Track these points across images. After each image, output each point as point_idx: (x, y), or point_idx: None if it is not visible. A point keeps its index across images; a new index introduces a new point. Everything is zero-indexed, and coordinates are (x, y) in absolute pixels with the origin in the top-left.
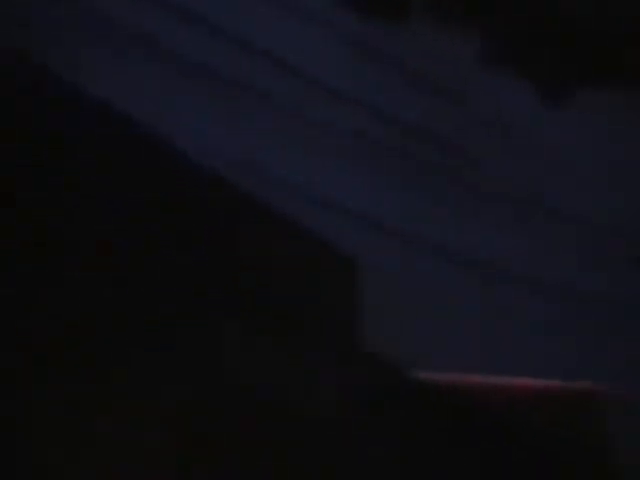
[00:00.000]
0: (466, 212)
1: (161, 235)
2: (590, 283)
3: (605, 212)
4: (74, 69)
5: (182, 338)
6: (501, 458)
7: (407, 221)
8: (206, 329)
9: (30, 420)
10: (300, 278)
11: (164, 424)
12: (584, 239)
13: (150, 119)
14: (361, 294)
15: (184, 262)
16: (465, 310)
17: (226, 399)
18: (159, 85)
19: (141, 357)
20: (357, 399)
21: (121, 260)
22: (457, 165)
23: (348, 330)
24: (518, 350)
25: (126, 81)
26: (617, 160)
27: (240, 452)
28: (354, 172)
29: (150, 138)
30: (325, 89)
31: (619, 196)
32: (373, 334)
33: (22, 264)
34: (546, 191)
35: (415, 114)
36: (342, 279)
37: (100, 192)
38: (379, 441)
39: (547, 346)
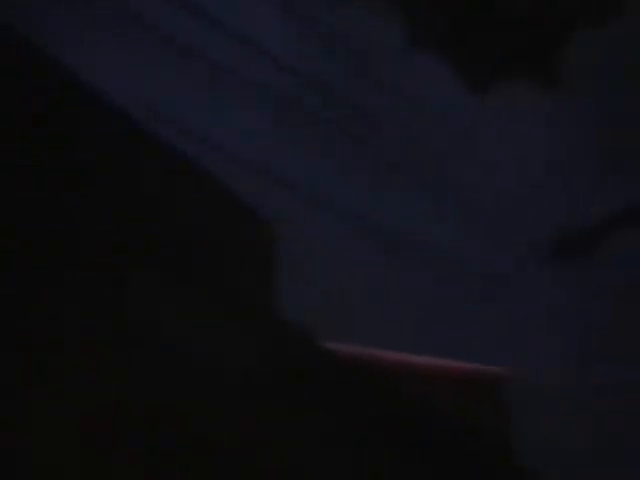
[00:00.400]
0: (373, 179)
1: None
2: (493, 265)
3: (508, 196)
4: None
5: (84, 287)
6: (402, 434)
7: (311, 182)
8: (111, 279)
9: None
10: (206, 232)
11: (72, 381)
12: (487, 220)
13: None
14: (273, 255)
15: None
16: (370, 279)
17: (134, 353)
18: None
19: (43, 306)
20: (268, 367)
21: (10, 199)
22: (363, 131)
23: (261, 295)
24: (424, 326)
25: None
26: (524, 146)
27: (148, 408)
28: (259, 124)
29: (57, 69)
30: (237, 37)
31: (523, 181)
32: (281, 300)
33: None
34: (449, 166)
35: (328, 76)
36: (250, 235)
37: None
38: (288, 411)
39: (451, 324)
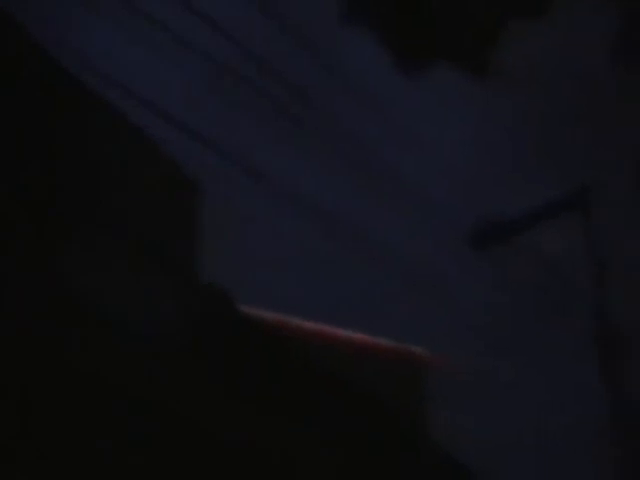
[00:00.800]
0: (303, 153)
1: None
2: (415, 249)
3: (435, 182)
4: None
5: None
6: (312, 399)
7: (241, 148)
8: (33, 232)
9: None
10: (136, 193)
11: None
12: (412, 204)
13: None
14: (200, 218)
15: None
16: (292, 249)
17: (59, 316)
18: None
19: None
20: (188, 327)
21: None
22: (297, 106)
23: (186, 256)
24: (344, 301)
25: None
26: (450, 128)
27: (58, 355)
28: (196, 89)
29: None
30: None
31: (450, 169)
32: (208, 263)
33: None
34: (379, 149)
35: (268, 52)
36: (175, 195)
37: None
38: (203, 370)
39: (371, 303)
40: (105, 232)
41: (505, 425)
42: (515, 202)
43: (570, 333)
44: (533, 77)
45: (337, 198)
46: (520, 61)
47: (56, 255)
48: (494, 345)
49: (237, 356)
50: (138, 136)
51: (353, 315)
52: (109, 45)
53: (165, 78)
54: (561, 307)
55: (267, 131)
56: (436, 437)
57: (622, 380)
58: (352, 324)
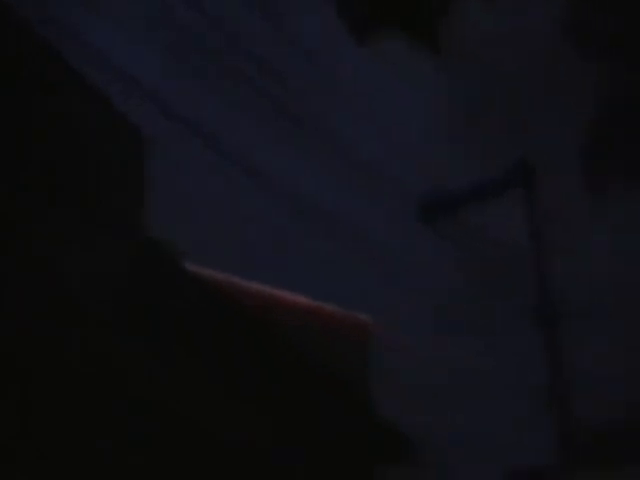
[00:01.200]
0: (259, 121)
1: None
2: (365, 220)
3: (385, 155)
4: None
5: None
6: (254, 359)
7: (196, 111)
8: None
9: None
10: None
11: None
12: (363, 176)
13: None
14: (147, 174)
15: None
16: (242, 213)
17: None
18: None
19: None
20: (135, 285)
21: None
22: (259, 76)
23: (132, 212)
24: (293, 266)
25: None
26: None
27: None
28: (157, 53)
29: None
30: None
31: (400, 143)
32: (155, 218)
33: None
34: (332, 118)
35: (234, 20)
36: (126, 154)
37: None
38: (148, 327)
39: (318, 269)
40: (54, 196)
41: (446, 394)
42: (462, 177)
43: (513, 306)
44: (482, 53)
45: (289, 166)
46: (470, 36)
47: (11, 222)
48: (439, 316)
49: (182, 313)
50: (92, 95)
51: (301, 280)
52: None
53: (129, 42)
54: (504, 281)
55: (228, 99)
56: (378, 405)
57: (561, 352)
58: (300, 289)
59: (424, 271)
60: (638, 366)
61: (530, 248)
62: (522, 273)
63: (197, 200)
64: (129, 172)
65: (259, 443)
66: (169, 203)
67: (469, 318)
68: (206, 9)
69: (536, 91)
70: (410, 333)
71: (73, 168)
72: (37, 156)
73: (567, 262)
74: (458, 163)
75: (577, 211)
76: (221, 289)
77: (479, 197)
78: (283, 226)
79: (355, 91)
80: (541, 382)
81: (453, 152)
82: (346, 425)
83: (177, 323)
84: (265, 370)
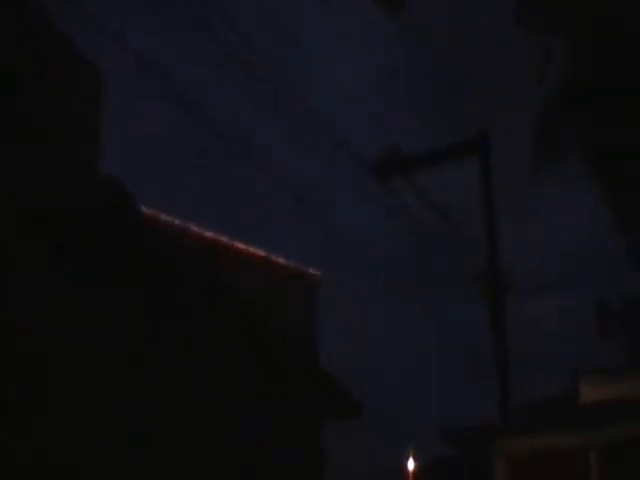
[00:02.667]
0: (214, 66)
1: None
2: (315, 174)
3: (337, 108)
4: None
5: None
6: (196, 301)
7: (152, 49)
8: None
9: None
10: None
11: None
12: (314, 129)
13: None
14: (99, 111)
15: None
16: (193, 160)
17: None
18: None
19: None
20: (83, 221)
21: None
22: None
23: (84, 150)
24: (241, 218)
25: None
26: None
27: None
28: None
29: None
30: None
31: (357, 96)
32: (105, 155)
33: None
34: (287, 71)
35: None
36: (78, 90)
37: None
38: (88, 263)
39: (267, 222)
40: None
41: (390, 354)
42: (419, 140)
43: (458, 272)
44: (441, 19)
45: (242, 116)
46: (429, 3)
47: None
48: (385, 276)
49: (132, 255)
50: (47, 33)
51: (252, 231)
52: None
53: None
54: (452, 246)
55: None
56: (322, 357)
57: (504, 318)
58: (250, 239)
59: (374, 229)
60: (581, 336)
61: (480, 214)
62: (471, 240)
63: (149, 140)
64: (85, 109)
65: (199, 389)
66: (121, 140)
67: (415, 281)
68: None
69: (493, 60)
70: (357, 289)
71: (31, 103)
72: None
73: (520, 230)
74: (414, 127)
75: (529, 185)
76: (171, 231)
77: (434, 160)
78: (233, 172)
79: (313, 44)
80: (485, 350)
81: (410, 115)
82: (291, 379)
83: (128, 262)
84: (214, 319)
